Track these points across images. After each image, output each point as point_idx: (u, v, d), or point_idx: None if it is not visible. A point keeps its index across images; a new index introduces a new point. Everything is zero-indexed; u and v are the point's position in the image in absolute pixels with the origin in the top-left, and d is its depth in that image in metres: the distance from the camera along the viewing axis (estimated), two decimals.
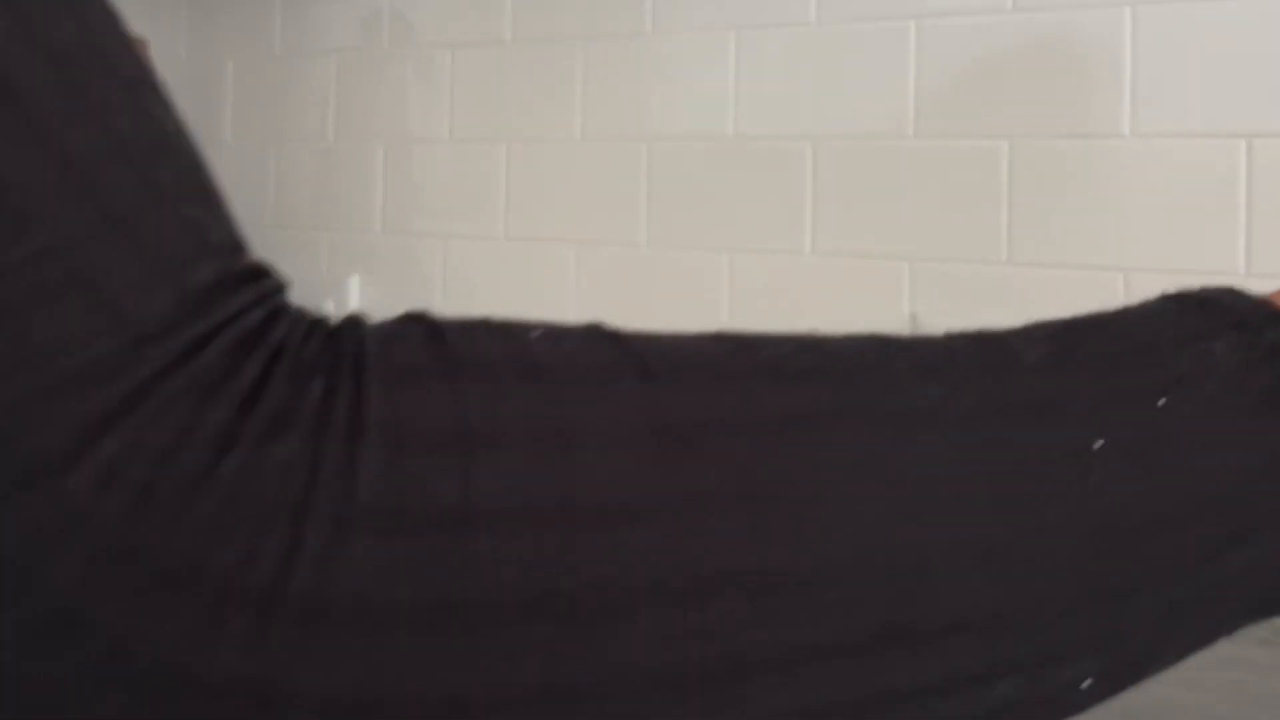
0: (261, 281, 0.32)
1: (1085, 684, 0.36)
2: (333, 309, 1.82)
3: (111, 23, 0.31)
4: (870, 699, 0.33)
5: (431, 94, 1.75)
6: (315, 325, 0.32)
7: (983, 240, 1.33)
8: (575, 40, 1.63)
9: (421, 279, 1.76)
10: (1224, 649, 0.93)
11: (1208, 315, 0.41)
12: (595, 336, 0.34)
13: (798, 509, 0.32)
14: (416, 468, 0.29)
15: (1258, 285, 1.35)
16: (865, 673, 0.33)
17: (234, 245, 0.31)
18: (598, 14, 1.61)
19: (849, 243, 1.42)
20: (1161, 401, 0.37)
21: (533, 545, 0.29)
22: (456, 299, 1.73)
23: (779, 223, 1.47)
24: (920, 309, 1.37)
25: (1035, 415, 0.36)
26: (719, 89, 1.52)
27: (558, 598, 0.30)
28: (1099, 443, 0.36)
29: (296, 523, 0.28)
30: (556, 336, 0.33)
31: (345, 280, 1.83)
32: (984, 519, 0.34)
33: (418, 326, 0.33)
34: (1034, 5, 1.31)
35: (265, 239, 1.92)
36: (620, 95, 1.60)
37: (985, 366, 0.37)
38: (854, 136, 1.42)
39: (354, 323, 0.32)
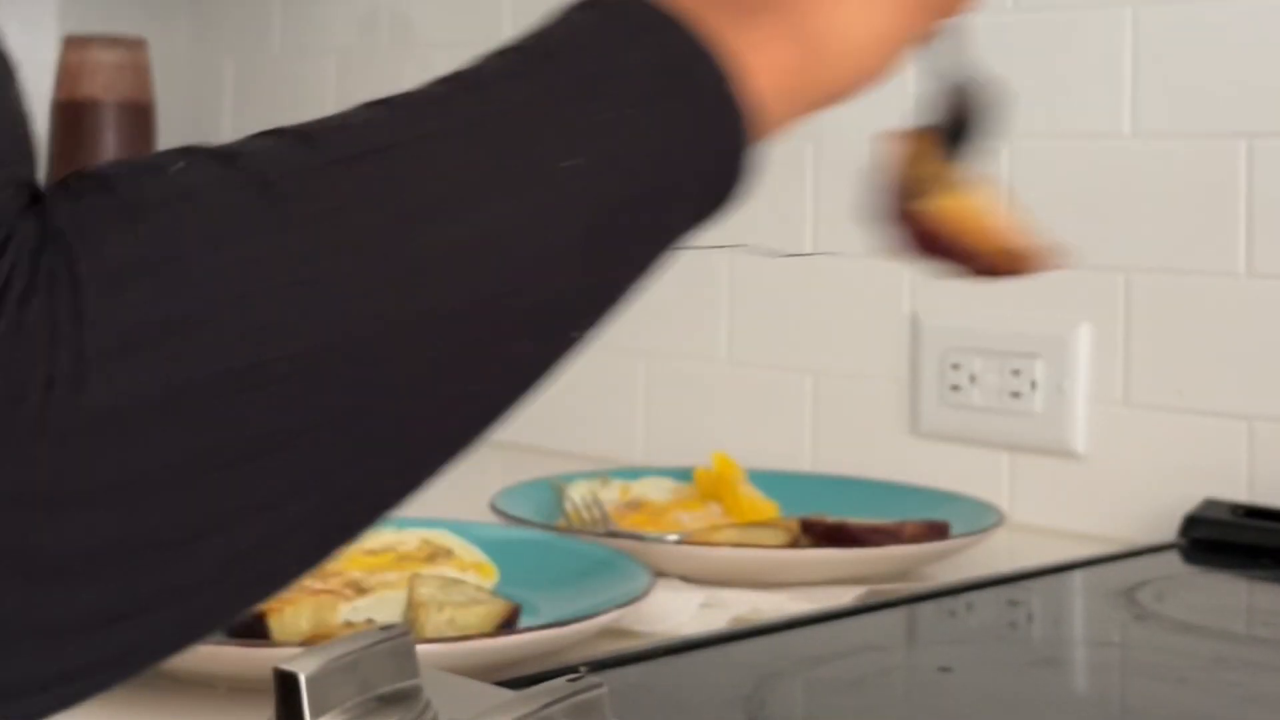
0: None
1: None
2: None
3: None
4: None
5: None
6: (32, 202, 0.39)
7: None
8: None
9: None
10: (1220, 648, 0.92)
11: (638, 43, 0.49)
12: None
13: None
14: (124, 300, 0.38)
15: (1259, 285, 1.35)
16: None
17: None
18: None
19: (849, 242, 1.42)
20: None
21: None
22: None
23: (780, 223, 1.46)
24: (920, 309, 1.37)
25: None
26: None
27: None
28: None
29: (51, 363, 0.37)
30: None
31: None
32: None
33: (89, 182, 0.40)
34: (1034, 5, 1.31)
35: None
36: None
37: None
38: (854, 136, 1.42)
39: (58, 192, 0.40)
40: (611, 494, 1.22)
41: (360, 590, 0.92)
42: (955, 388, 1.33)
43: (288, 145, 0.44)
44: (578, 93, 0.47)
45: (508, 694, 0.59)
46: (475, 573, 0.97)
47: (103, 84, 1.77)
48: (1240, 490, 1.18)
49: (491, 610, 0.85)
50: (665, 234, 0.50)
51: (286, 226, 0.41)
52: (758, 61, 0.51)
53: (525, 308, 0.45)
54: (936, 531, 1.09)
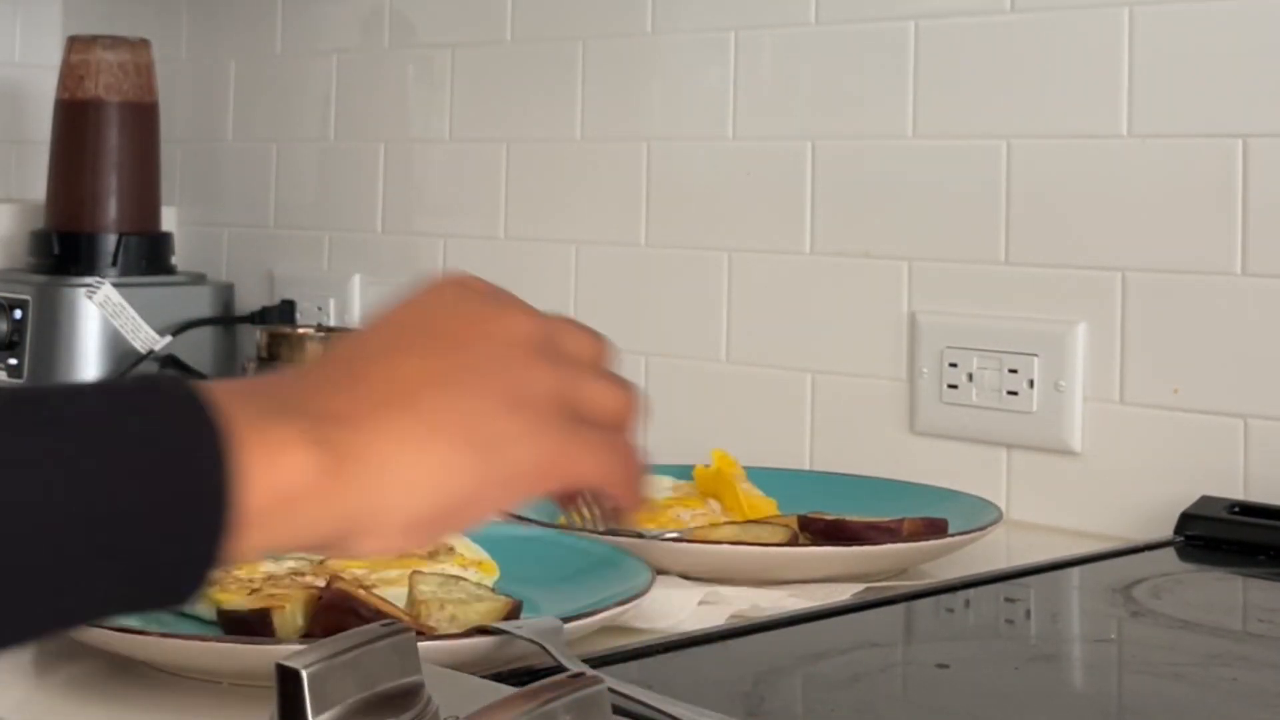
0: None
1: None
2: (335, 308, 1.82)
3: None
4: None
5: (431, 94, 1.76)
6: None
7: (981, 240, 1.34)
8: (575, 40, 1.63)
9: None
10: (1215, 644, 0.93)
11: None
12: None
13: None
14: None
15: (1254, 284, 1.35)
16: None
17: None
18: (598, 14, 1.61)
19: (849, 242, 1.42)
20: None
21: None
22: None
23: (779, 223, 1.47)
24: (919, 308, 1.37)
25: None
26: (719, 89, 1.52)
27: None
28: None
29: None
30: None
31: (348, 279, 1.83)
32: None
33: None
34: (1033, 5, 1.31)
35: (268, 239, 1.92)
36: (620, 95, 1.60)
37: None
38: (854, 136, 1.42)
39: None
40: None
41: (361, 587, 0.92)
42: (953, 386, 1.34)
43: None
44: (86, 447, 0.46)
45: (509, 690, 0.60)
46: (476, 570, 0.97)
47: (106, 84, 1.78)
48: (1236, 488, 1.19)
49: (492, 607, 0.86)
50: (86, 602, 0.47)
51: None
52: (266, 463, 0.48)
53: None
54: (934, 529, 1.10)
